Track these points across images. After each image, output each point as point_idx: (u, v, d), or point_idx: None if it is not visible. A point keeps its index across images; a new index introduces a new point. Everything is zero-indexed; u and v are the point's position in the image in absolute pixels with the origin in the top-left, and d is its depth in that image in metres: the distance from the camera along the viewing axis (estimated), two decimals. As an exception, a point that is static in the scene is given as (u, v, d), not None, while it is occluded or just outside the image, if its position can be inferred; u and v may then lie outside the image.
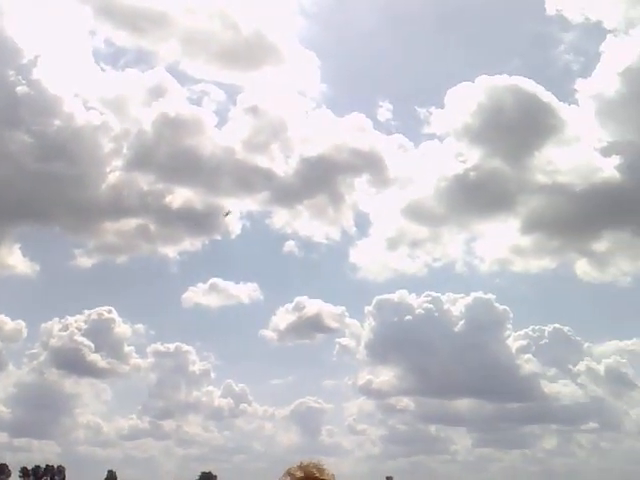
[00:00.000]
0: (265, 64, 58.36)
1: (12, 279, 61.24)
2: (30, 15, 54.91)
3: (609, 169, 49.68)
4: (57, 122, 53.42)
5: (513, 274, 57.70)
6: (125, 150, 54.76)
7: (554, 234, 53.20)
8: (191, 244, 57.79)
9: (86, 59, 56.95)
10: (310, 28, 59.91)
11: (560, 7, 51.76)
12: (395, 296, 57.45)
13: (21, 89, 52.49)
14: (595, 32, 52.46)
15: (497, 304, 56.09)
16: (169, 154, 55.05)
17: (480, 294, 56.75)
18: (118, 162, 54.33)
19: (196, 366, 57.92)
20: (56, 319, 56.56)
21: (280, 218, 57.87)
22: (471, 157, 53.05)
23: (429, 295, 57.30)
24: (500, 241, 56.04)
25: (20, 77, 52.53)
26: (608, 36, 50.32)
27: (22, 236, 58.99)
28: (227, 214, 53.86)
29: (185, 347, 57.71)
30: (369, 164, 57.29)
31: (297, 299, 58.37)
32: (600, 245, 53.56)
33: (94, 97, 55.22)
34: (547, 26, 58.67)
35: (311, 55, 57.72)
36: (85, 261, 57.50)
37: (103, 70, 57.48)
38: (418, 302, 57.02)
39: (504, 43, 62.22)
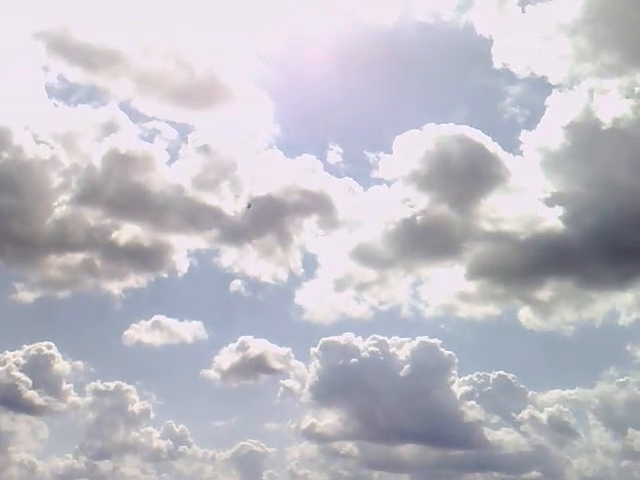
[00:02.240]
0: (218, 104, 57.96)
1: (-48, 312, 59.71)
2: (-18, 49, 54.17)
3: (553, 219, 50.01)
4: (5, 155, 52.63)
5: (458, 319, 57.78)
6: (74, 185, 54.18)
7: (498, 281, 53.46)
8: (136, 281, 57.08)
9: (39, 94, 56.35)
10: (264, 70, 60.14)
11: (507, 61, 52.48)
12: (341, 339, 57.48)
13: (-32, 121, 52.14)
14: (540, 86, 53.39)
15: (442, 349, 56.43)
16: (118, 190, 54.17)
17: (426, 338, 57.14)
18: (66, 197, 53.60)
19: (136, 405, 56.92)
20: (-6, 353, 55.81)
21: (228, 257, 57.57)
22: (418, 202, 53.22)
23: (375, 338, 57.49)
24: (446, 286, 56.00)
25: (-32, 108, 52.37)
26: (553, 91, 51.29)
27: (-38, 268, 57.76)
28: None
29: (125, 386, 56.88)
30: (318, 206, 57.20)
31: (242, 338, 58.01)
32: (544, 293, 53.92)
33: (45, 132, 54.40)
34: (494, 79, 59.66)
35: (264, 97, 58.00)
36: (26, 295, 56.47)
37: (56, 105, 57.08)
38: (364, 345, 57.12)
39: (451, 94, 63.22)
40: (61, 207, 53.27)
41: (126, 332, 57.51)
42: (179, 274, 56.54)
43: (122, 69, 55.37)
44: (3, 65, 54.98)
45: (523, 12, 51.36)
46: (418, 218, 52.82)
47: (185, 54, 55.74)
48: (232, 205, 54.78)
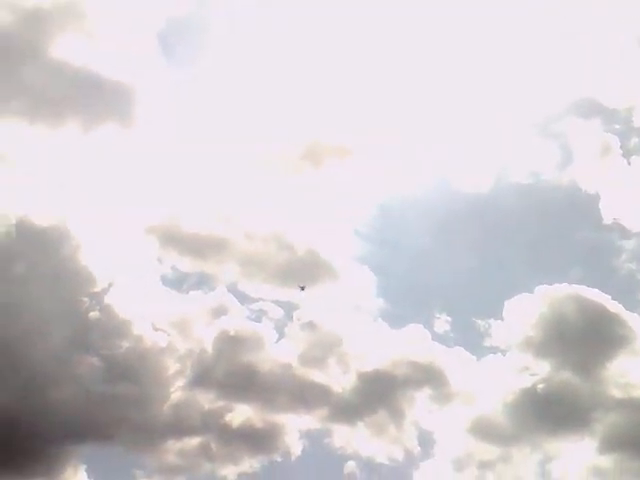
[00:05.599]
0: (320, 281, 59.04)
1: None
2: (103, 246, 58.78)
3: (689, 382, 45.03)
4: (126, 344, 55.46)
5: (596, 500, 51.13)
6: (188, 370, 55.84)
7: (636, 454, 47.67)
8: (250, 465, 55.87)
9: (154, 284, 59.94)
10: (364, 246, 60.91)
11: (617, 216, 50.19)
12: (468, 525, 52.60)
13: (93, 314, 55.57)
14: (658, 239, 49.87)
15: (584, 534, 50.05)
16: (229, 371, 55.35)
17: (563, 522, 51.00)
18: (181, 382, 55.17)
19: None
20: None
21: (340, 437, 55.25)
22: (538, 370, 50.64)
23: (507, 526, 52.01)
24: (577, 462, 50.38)
25: (94, 303, 56.08)
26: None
27: (88, 456, 58.82)
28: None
29: None
30: (430, 378, 54.71)
31: (359, 529, 54.25)
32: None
33: (161, 320, 57.22)
34: (605, 235, 56.39)
35: (365, 271, 58.11)
36: (146, 482, 56.93)
37: (170, 294, 60.17)
38: (494, 533, 51.77)
39: (561, 253, 59.96)
40: (177, 392, 54.76)
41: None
42: (292, 457, 55.07)
43: (228, 255, 58.48)
44: (122, 259, 59.28)
45: (629, 164, 49.27)
46: (539, 387, 50.24)
47: (286, 237, 58.05)
48: (340, 381, 54.30)
